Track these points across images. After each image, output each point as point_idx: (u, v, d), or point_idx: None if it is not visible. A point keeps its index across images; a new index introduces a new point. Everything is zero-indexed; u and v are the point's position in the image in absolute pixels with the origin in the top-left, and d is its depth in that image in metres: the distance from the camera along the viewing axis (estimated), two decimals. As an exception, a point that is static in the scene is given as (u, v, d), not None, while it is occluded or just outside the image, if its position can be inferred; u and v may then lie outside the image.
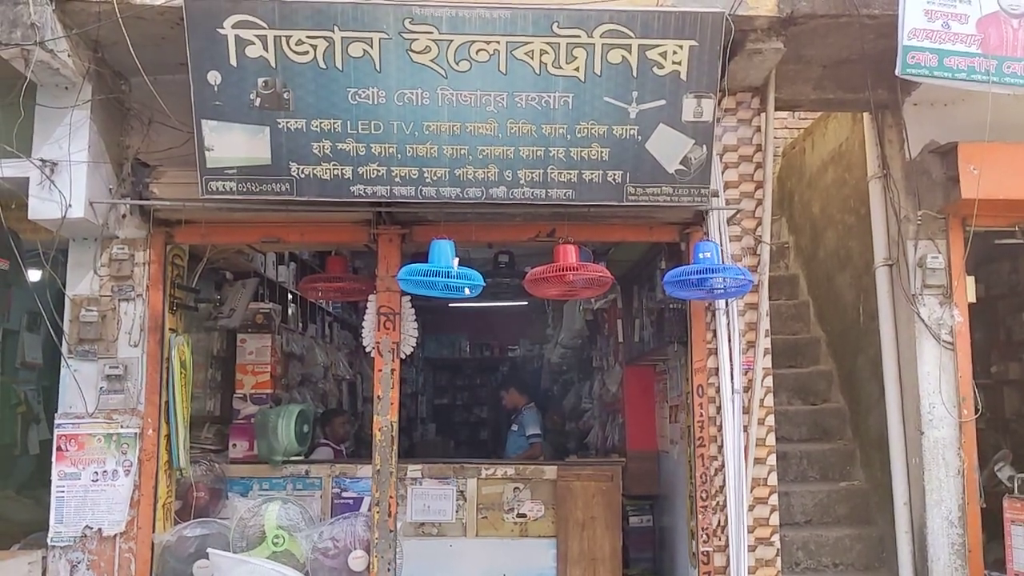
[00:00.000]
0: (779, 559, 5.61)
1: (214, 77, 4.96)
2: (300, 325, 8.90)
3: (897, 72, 5.15)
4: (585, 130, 5.12)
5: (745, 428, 5.59)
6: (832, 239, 7.45)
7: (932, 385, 5.71)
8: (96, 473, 5.53)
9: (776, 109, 5.88)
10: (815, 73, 5.94)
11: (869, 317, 6.48)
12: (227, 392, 7.17)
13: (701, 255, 5.32)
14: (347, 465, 6.63)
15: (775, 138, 7.56)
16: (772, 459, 5.66)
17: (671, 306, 6.07)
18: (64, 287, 5.63)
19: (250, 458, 6.74)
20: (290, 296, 8.57)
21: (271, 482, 6.52)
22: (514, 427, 8.65)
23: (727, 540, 5.52)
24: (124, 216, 5.70)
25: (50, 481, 5.50)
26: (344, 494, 6.53)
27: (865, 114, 6.29)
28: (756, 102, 5.83)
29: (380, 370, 5.72)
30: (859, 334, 6.83)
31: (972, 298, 5.83)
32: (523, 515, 6.53)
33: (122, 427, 5.56)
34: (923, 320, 5.75)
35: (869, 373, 6.63)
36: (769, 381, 5.70)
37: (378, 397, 5.70)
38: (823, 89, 6.02)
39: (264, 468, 6.54)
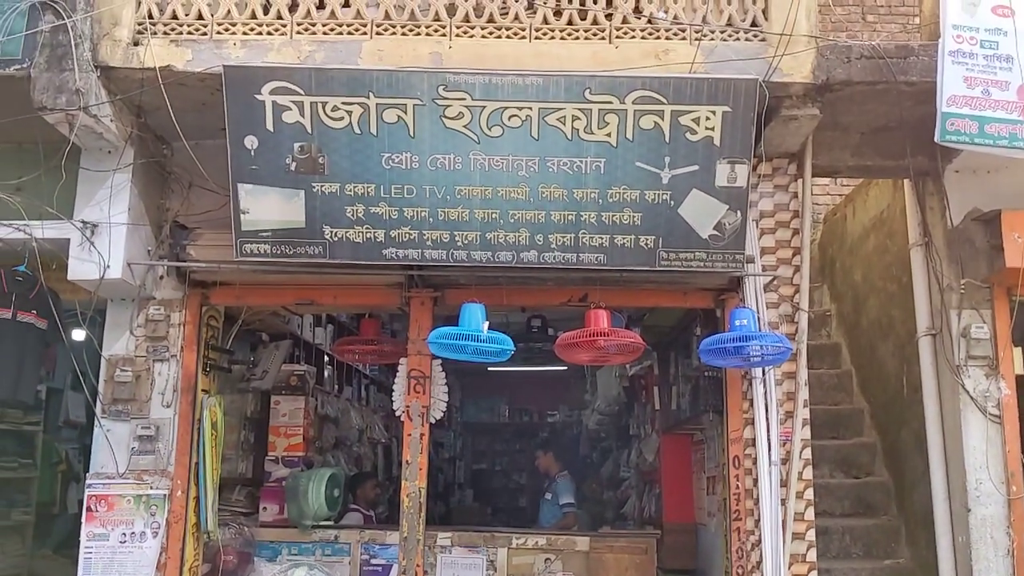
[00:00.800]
0: (819, 640, 5.40)
1: (251, 142, 5.04)
2: (336, 387, 8.89)
3: (936, 139, 5.08)
4: (617, 195, 5.10)
5: (783, 502, 5.42)
6: (874, 307, 7.30)
7: (979, 460, 5.51)
8: (124, 534, 5.50)
9: (814, 175, 5.82)
10: (853, 140, 5.88)
11: (913, 388, 6.30)
12: (259, 454, 7.14)
13: (737, 322, 5.23)
14: (377, 531, 6.52)
15: (816, 204, 7.53)
16: (811, 534, 5.47)
17: (707, 374, 5.96)
18: (100, 347, 5.69)
19: (280, 522, 6.67)
20: (326, 358, 8.58)
21: (300, 547, 6.43)
22: (547, 496, 8.47)
23: (765, 620, 5.32)
24: (161, 277, 5.76)
25: (86, 541, 5.49)
26: (373, 561, 6.41)
27: (906, 181, 6.20)
28: (793, 168, 5.78)
29: (409, 434, 5.66)
30: (903, 405, 6.63)
31: (1020, 370, 5.64)
32: (555, 587, 6.37)
33: (152, 488, 5.55)
34: (968, 392, 5.57)
35: (914, 446, 6.41)
36: (808, 453, 5.54)
37: (407, 462, 5.64)
38: (861, 156, 5.95)
39: (293, 532, 6.45)
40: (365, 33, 5.18)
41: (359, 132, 5.01)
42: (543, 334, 6.96)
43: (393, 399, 5.90)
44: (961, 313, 5.68)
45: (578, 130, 5.00)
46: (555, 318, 7.13)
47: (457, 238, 5.17)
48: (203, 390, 5.82)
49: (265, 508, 6.81)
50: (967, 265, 5.68)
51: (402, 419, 5.77)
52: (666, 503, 7.62)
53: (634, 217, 5.15)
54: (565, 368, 14.40)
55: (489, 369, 15.20)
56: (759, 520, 5.41)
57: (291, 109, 4.99)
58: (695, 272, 5.33)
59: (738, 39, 5.24)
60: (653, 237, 5.18)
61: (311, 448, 7.25)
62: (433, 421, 5.78)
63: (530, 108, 4.97)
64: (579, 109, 4.97)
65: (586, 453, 13.12)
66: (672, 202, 5.13)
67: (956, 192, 5.78)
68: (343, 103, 4.97)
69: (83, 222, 5.36)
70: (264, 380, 6.49)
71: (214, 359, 5.99)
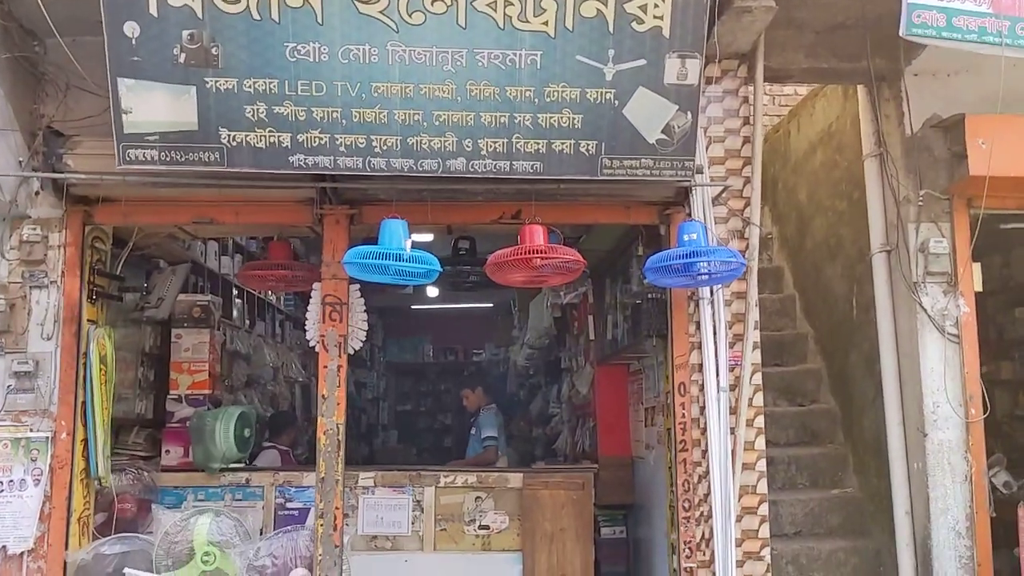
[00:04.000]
0: (769, 575, 5.06)
1: (131, 28, 4.32)
2: (247, 322, 8.22)
3: (901, 32, 4.62)
4: (555, 93, 4.54)
5: (732, 430, 5.04)
6: (821, 227, 6.93)
7: (936, 382, 5.21)
8: (2, 482, 4.89)
9: (764, 80, 5.33)
10: (807, 40, 5.42)
11: (863, 310, 5.98)
12: (160, 393, 6.50)
13: (686, 237, 4.76)
14: (292, 472, 6.00)
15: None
16: (761, 464, 5.12)
17: (649, 296, 5.49)
18: (-34, 272, 5.00)
19: (185, 465, 6.12)
20: (235, 290, 7.91)
21: (207, 492, 5.91)
22: (472, 431, 8.01)
23: (712, 554, 4.96)
24: (37, 193, 5.11)
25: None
26: (289, 505, 5.92)
27: (860, 87, 5.80)
28: (743, 70, 5.30)
29: (325, 367, 5.10)
30: (852, 329, 6.30)
31: (979, 287, 5.34)
32: (486, 527, 5.92)
33: (32, 430, 4.97)
34: (926, 310, 5.24)
35: (863, 371, 6.10)
36: (758, 378, 5.16)
37: (323, 397, 5.08)
38: (816, 57, 5.48)
39: (200, 476, 5.92)
40: (264, -100, 4.47)
41: (258, 18, 4.33)
42: (472, 257, 6.39)
43: (306, 329, 5.33)
44: (919, 227, 5.33)
45: (511, 17, 4.41)
46: (485, 239, 6.53)
47: (374, 143, 4.56)
48: (89, 320, 5.17)
49: (168, 451, 6.23)
50: (925, 175, 5.33)
51: (317, 351, 5.20)
52: (601, 437, 7.23)
53: (574, 119, 4.60)
54: (491, 305, 14.12)
55: (412, 307, 14.84)
56: (707, 450, 5.04)
57: (178, -11, 4.29)
58: (640, 182, 4.83)
59: (687, -84, 4.69)
60: (595, 142, 4.65)
61: (218, 386, 6.63)
62: (352, 352, 5.23)
63: (456, -9, 4.37)
64: (512, -8, 4.38)
65: (513, 391, 12.82)
66: (616, 102, 4.59)
67: (915, 97, 5.38)
68: (240, -17, 4.29)
69: (-60, 127, 4.62)
70: (160, 308, 5.80)
71: (102, 286, 5.32)
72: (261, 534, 5.65)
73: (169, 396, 6.36)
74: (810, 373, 7.06)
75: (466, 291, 7.97)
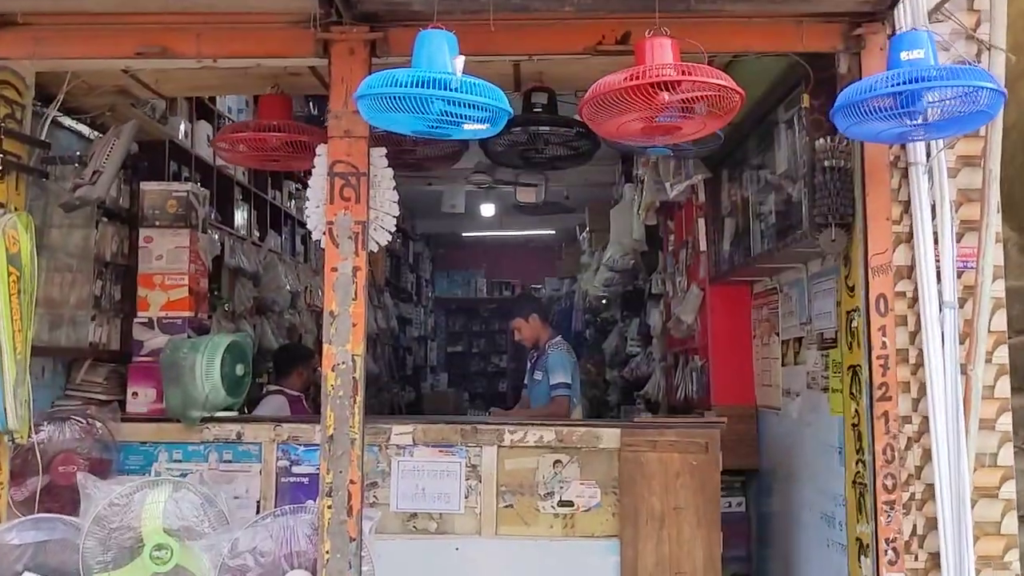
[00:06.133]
0: (1017, 591, 3.31)
1: None
2: (255, 233, 6.52)
3: None
4: None
5: (963, 368, 3.24)
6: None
7: None
8: None
9: None
10: None
11: None
12: (131, 316, 4.87)
13: (904, 55, 2.94)
14: (299, 425, 4.34)
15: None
16: (1006, 420, 3.35)
17: (826, 164, 3.63)
18: None
19: (157, 413, 4.52)
20: (239, 191, 6.20)
21: (185, 449, 4.34)
22: (536, 374, 5.84)
23: (934, 560, 3.21)
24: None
25: None
26: (295, 469, 4.31)
27: None
28: None
29: (335, 268, 3.39)
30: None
31: None
32: (568, 503, 4.21)
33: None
34: None
35: None
36: (1000, 288, 3.36)
37: (331, 314, 3.38)
38: None
39: (175, 429, 4.32)
40: None
41: None
42: (551, 112, 4.53)
43: (306, 213, 3.62)
44: None
45: None
46: (569, 96, 4.67)
47: None
48: (-8, 203, 3.53)
49: (135, 394, 4.66)
50: None
51: (322, 245, 3.49)
52: (715, 380, 5.44)
53: None
54: (553, 232, 12.40)
55: (464, 235, 13.19)
56: (921, 399, 3.26)
57: None
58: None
59: None
60: None
61: (205, 307, 4.97)
62: (376, 248, 3.51)
63: None
64: None
65: (580, 328, 11.11)
66: None
67: None
68: None
69: None
70: (96, 186, 4.06)
71: (15, 154, 3.66)
72: (258, 510, 4.10)
73: (137, 320, 4.74)
74: None
75: (537, 170, 5.97)
